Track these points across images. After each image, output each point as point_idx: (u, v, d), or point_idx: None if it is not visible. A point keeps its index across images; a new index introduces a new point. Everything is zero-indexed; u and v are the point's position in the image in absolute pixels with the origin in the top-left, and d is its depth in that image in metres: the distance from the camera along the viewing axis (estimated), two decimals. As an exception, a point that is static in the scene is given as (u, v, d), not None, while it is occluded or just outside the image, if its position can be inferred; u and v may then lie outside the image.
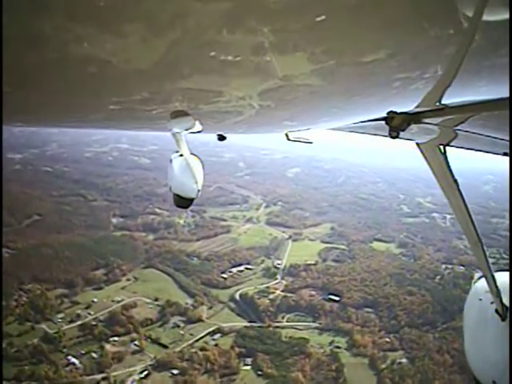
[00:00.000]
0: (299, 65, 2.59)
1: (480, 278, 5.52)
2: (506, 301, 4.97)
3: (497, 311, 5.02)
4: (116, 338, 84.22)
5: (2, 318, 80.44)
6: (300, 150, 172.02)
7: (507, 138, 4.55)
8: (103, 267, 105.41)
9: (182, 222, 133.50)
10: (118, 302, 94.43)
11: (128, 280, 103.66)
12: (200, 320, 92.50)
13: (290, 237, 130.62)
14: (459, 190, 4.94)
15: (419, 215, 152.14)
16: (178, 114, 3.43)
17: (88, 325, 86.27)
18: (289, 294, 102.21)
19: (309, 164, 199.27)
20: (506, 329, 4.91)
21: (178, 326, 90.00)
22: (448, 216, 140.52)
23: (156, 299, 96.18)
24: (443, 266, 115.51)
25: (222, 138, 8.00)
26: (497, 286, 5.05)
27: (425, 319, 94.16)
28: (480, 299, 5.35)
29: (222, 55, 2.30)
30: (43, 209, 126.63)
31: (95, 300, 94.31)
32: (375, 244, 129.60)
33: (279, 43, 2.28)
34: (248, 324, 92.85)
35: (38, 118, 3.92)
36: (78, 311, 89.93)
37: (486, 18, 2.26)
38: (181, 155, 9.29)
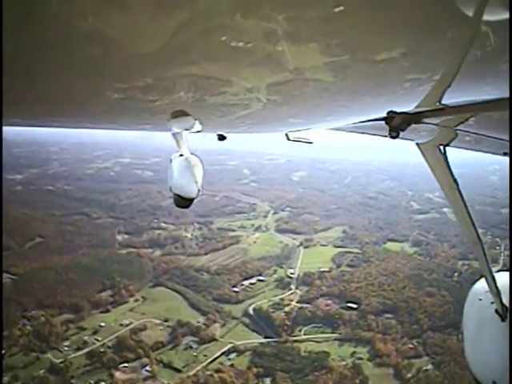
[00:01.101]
0: (311, 57, 2.57)
1: (480, 277, 5.29)
2: (506, 301, 4.75)
3: (497, 311, 4.79)
4: (126, 365, 79.50)
5: (1, 318, 72.30)
6: (303, 152, 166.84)
7: (507, 137, 4.52)
8: (109, 288, 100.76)
9: (188, 235, 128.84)
10: (127, 325, 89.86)
11: (136, 301, 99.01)
12: (213, 339, 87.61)
13: (302, 243, 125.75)
14: (459, 190, 4.72)
15: (430, 211, 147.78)
16: (178, 114, 3.44)
17: (96, 352, 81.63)
18: (304, 305, 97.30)
19: (313, 166, 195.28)
20: (506, 329, 4.69)
21: (191, 347, 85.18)
22: None
23: (166, 320, 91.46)
24: (460, 263, 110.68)
25: (222, 137, 7.60)
26: (497, 286, 4.80)
27: (447, 321, 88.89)
28: (480, 299, 5.15)
29: (233, 41, 2.26)
30: (46, 230, 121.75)
31: (102, 324, 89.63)
32: (389, 245, 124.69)
33: (293, 32, 2.25)
34: (264, 340, 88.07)
35: (36, 112, 3.65)
36: (85, 337, 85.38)
37: (486, 18, 2.30)
38: (181, 155, 8.98)
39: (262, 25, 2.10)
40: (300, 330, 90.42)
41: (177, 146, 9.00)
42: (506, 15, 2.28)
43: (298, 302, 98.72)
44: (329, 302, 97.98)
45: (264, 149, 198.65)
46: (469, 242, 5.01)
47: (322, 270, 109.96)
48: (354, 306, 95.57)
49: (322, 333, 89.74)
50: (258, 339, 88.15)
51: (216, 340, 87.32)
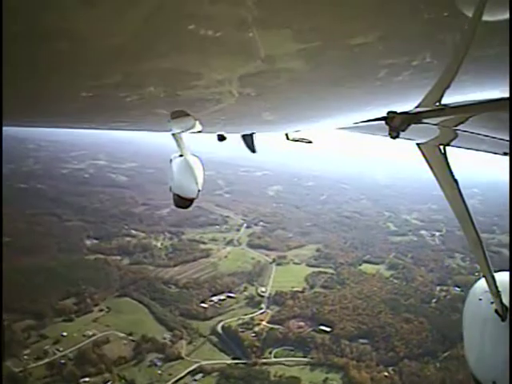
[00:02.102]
0: (283, 43, 2.51)
1: (480, 278, 5.37)
2: (505, 301, 4.83)
3: (497, 311, 4.88)
4: (87, 379, 73.68)
5: (1, 318, 72.77)
6: (280, 166, 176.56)
7: (507, 137, 4.50)
8: (74, 296, 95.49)
9: (158, 244, 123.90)
10: (89, 336, 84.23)
11: (100, 311, 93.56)
12: (179, 357, 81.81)
13: (274, 260, 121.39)
14: (459, 189, 4.70)
15: (407, 233, 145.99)
16: (178, 115, 3.51)
17: (56, 363, 75.93)
18: (276, 326, 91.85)
19: (290, 181, 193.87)
20: (505, 329, 4.77)
21: (155, 365, 79.33)
22: (437, 233, 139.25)
23: (130, 333, 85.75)
24: (438, 288, 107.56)
25: (222, 138, 7.57)
26: (497, 286, 4.87)
27: (424, 349, 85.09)
28: (480, 299, 5.23)
29: (201, 29, 2.20)
30: (14, 229, 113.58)
31: (64, 334, 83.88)
32: (364, 266, 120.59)
33: (264, 18, 2.19)
34: (232, 361, 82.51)
35: (9, 112, 3.25)
36: (46, 347, 79.49)
37: (485, 18, 2.30)
38: (181, 155, 8.89)
39: (231, 11, 2.03)
40: (270, 352, 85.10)
41: (177, 146, 8.66)
42: (506, 15, 2.30)
43: (268, 323, 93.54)
44: (301, 323, 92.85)
45: (240, 160, 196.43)
46: (469, 242, 4.92)
47: (295, 289, 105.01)
48: (327, 329, 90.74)
49: (293, 356, 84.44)
50: (225, 360, 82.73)
51: (182, 358, 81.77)
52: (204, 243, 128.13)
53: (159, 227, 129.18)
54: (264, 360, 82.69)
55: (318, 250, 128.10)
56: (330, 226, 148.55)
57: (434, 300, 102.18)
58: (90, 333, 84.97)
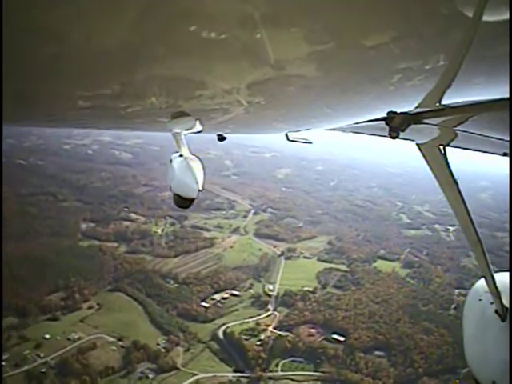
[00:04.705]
0: (294, 45, 2.28)
1: (480, 278, 5.33)
2: (505, 301, 4.81)
3: (497, 312, 4.87)
4: None
5: (1, 318, 67.79)
6: (289, 149, 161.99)
7: (507, 138, 4.46)
8: (63, 289, 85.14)
9: (159, 231, 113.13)
10: (74, 340, 73.45)
11: (90, 308, 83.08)
12: (174, 367, 70.78)
13: (283, 253, 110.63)
14: (459, 190, 4.71)
15: (421, 227, 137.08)
16: (179, 115, 3.33)
17: (36, 372, 65.77)
18: (283, 333, 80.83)
19: (299, 164, 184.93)
20: (505, 329, 4.76)
21: (147, 377, 68.59)
22: (451, 228, 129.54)
23: (120, 338, 74.71)
24: (456, 292, 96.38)
25: (222, 138, 7.51)
26: (497, 287, 4.87)
27: (445, 365, 74.43)
28: (480, 299, 5.22)
29: (203, 31, 1.95)
30: (6, 210, 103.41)
31: (47, 336, 73.13)
32: (379, 263, 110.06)
33: (272, 15, 1.97)
34: (234, 374, 71.24)
35: (12, 114, 3.13)
36: (26, 351, 69.05)
37: (485, 18, 2.24)
38: (181, 155, 8.08)
39: (235, 7, 1.81)
40: (277, 365, 74.00)
41: (176, 146, 7.96)
42: (506, 15, 2.25)
43: (275, 328, 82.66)
44: (312, 330, 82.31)
45: (248, 141, 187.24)
46: (469, 242, 4.92)
47: (306, 289, 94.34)
48: (341, 338, 79.96)
49: (303, 369, 73.48)
50: (226, 372, 71.69)
51: (177, 369, 70.86)
52: (208, 230, 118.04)
53: (161, 211, 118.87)
54: (270, 374, 72.18)
55: (329, 243, 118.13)
56: (342, 215, 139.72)
57: (453, 306, 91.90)
58: (76, 336, 74.78)
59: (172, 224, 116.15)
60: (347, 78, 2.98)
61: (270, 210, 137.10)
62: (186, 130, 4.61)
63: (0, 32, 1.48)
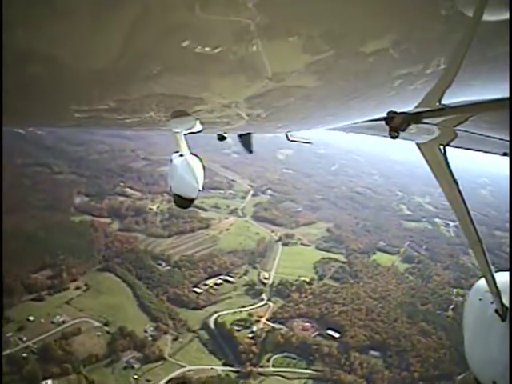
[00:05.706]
0: (292, 56, 2.24)
1: (480, 277, 5.24)
2: (505, 301, 4.75)
3: (497, 311, 4.80)
4: (49, 382, 59.77)
5: (1, 318, 65.33)
6: None
7: (507, 138, 4.41)
8: (50, 267, 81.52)
9: (154, 208, 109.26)
10: (59, 324, 69.98)
11: (77, 288, 79.31)
12: (161, 357, 67.22)
13: (280, 239, 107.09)
14: (459, 190, 4.66)
15: (421, 220, 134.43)
16: (178, 114, 3.16)
17: (17, 357, 62.33)
18: (277, 326, 77.31)
19: (300, 146, 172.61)
20: (505, 329, 4.70)
21: (132, 367, 64.94)
22: (451, 223, 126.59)
23: (106, 323, 71.03)
24: (454, 291, 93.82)
25: (221, 138, 7.54)
26: (497, 286, 4.81)
27: (441, 370, 71.44)
28: (480, 299, 5.15)
29: (197, 45, 1.88)
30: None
31: (31, 318, 69.67)
32: (378, 255, 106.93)
33: (268, 25, 1.88)
34: (223, 367, 67.72)
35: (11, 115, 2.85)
36: (9, 333, 66.01)
37: (486, 18, 2.25)
38: (181, 155, 7.93)
39: (229, 19, 1.73)
40: (268, 360, 70.61)
41: (177, 146, 7.82)
42: (506, 15, 2.26)
43: (269, 320, 79.10)
44: (306, 324, 78.99)
45: None
46: (469, 242, 4.89)
47: (302, 279, 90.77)
48: (336, 334, 76.60)
49: (295, 366, 70.04)
50: (215, 365, 68.00)
51: (164, 359, 67.36)
52: (205, 210, 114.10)
53: (158, 187, 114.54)
54: (260, 369, 68.63)
55: (328, 231, 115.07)
56: (342, 202, 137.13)
57: (451, 307, 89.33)
58: (61, 319, 71.53)
59: (168, 201, 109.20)
60: (348, 86, 2.94)
61: (269, 191, 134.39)
62: (186, 129, 4.33)
63: (0, 38, 1.44)
